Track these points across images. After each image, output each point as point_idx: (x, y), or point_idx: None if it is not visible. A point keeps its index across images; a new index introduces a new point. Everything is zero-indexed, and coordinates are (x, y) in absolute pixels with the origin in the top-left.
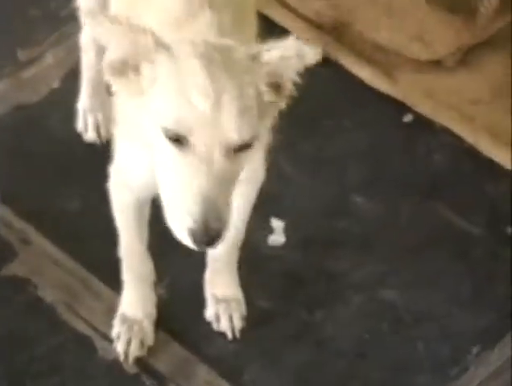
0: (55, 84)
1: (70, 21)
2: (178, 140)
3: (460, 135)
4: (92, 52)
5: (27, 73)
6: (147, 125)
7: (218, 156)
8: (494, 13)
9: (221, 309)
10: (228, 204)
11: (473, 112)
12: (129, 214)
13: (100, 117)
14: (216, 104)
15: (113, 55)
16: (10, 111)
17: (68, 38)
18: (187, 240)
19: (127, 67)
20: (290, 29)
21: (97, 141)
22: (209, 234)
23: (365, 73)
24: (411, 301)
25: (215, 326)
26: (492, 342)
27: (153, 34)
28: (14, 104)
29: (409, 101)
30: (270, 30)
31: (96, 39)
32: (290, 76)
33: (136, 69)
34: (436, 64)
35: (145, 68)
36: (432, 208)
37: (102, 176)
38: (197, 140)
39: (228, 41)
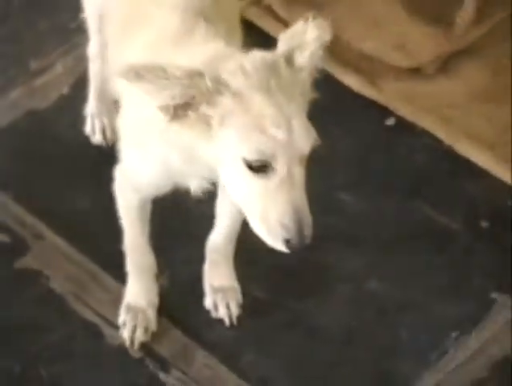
0: (65, 91)
1: (78, 33)
2: (260, 166)
3: (439, 137)
4: (98, 62)
5: (39, 81)
6: (215, 157)
7: (297, 170)
8: (471, 24)
9: (219, 297)
10: (308, 206)
11: (451, 115)
12: (133, 212)
13: (106, 121)
14: (289, 129)
15: (170, 101)
16: (23, 116)
17: (77, 48)
18: (283, 249)
19: (187, 111)
20: None
21: (104, 144)
22: (303, 241)
23: (351, 80)
24: (394, 291)
25: (213, 313)
26: (469, 328)
27: (210, 76)
28: (26, 109)
29: (392, 106)
30: (263, 40)
31: (144, 92)
32: (318, 64)
33: (196, 110)
34: (417, 71)
35: (208, 109)
36: (414, 205)
37: (108, 176)
38: (279, 164)
39: (260, 54)
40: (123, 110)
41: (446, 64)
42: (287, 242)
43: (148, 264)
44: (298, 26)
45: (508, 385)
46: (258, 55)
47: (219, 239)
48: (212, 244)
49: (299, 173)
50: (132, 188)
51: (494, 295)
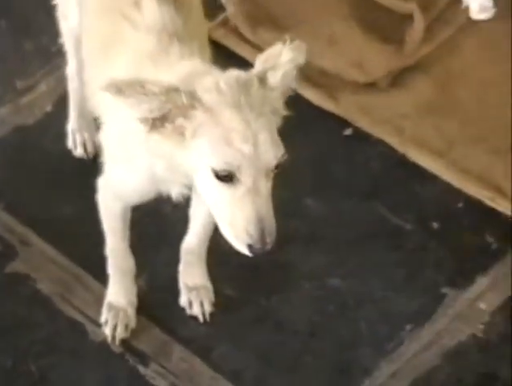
0: (48, 109)
1: (59, 55)
2: (226, 176)
3: (393, 146)
4: (76, 81)
5: (24, 100)
6: (190, 165)
7: (262, 182)
8: (419, 42)
9: (193, 296)
10: (273, 215)
11: (403, 126)
12: (115, 220)
13: (86, 135)
14: (255, 144)
15: (148, 114)
16: (10, 132)
17: (58, 69)
18: (247, 253)
19: (165, 123)
20: (247, 58)
21: (85, 156)
22: (265, 247)
23: (312, 94)
24: (354, 286)
25: (188, 311)
26: (422, 320)
27: (185, 91)
28: (13, 126)
29: (349, 117)
30: (230, 59)
31: (128, 105)
32: (291, 84)
33: (172, 122)
34: (372, 86)
35: (183, 122)
36: (370, 208)
37: (90, 186)
38: (244, 175)
39: (236, 73)
40: (106, 126)
41: (398, 79)
42: (251, 247)
43: (128, 266)
44: (275, 49)
45: (458, 372)
46: (233, 74)
47: (193, 241)
48: (186, 247)
49: (264, 185)
50: (115, 197)
51: (445, 290)
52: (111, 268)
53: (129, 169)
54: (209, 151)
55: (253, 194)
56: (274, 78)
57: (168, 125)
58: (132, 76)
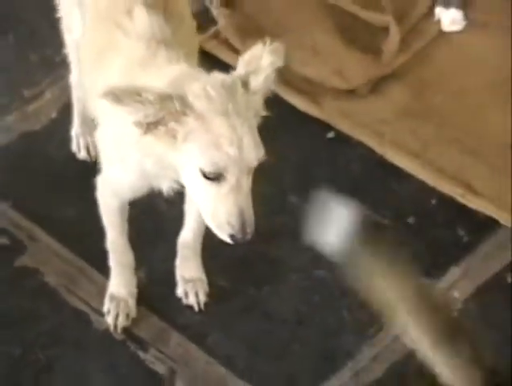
0: (53, 115)
1: (63, 65)
2: (213, 176)
3: (372, 148)
4: (80, 90)
5: (31, 107)
6: (179, 164)
7: (244, 180)
8: (395, 52)
9: (189, 287)
10: (252, 209)
11: (382, 129)
12: (113, 215)
13: (89, 139)
14: (240, 147)
15: (143, 119)
16: (18, 138)
17: (62, 79)
18: (229, 241)
19: (158, 126)
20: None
21: (88, 159)
22: (246, 237)
23: (296, 100)
24: (338, 278)
25: (184, 300)
26: None
27: (177, 98)
28: (21, 132)
29: (331, 121)
30: (222, 69)
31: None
32: (270, 86)
33: (165, 126)
34: (352, 92)
35: (175, 126)
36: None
37: (93, 186)
38: (230, 174)
39: (221, 77)
40: (101, 128)
41: (376, 86)
42: (233, 236)
43: (128, 260)
44: (256, 51)
45: None
46: (219, 78)
47: (188, 236)
48: (182, 241)
49: (246, 182)
50: (112, 194)
51: (421, 280)
52: (112, 262)
53: (122, 167)
54: (199, 154)
55: (236, 190)
56: (256, 82)
57: (161, 128)
58: (128, 83)
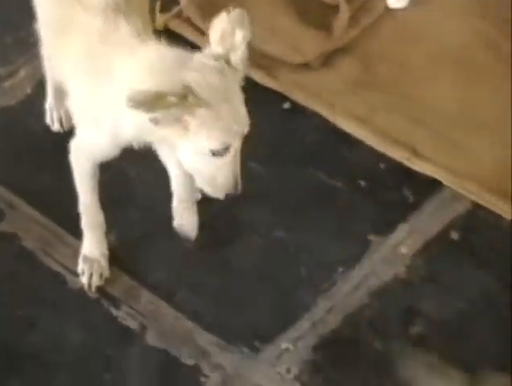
0: (29, 91)
1: (36, 45)
2: (220, 151)
3: (325, 117)
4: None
5: (7, 84)
6: (185, 148)
7: (239, 147)
8: (345, 28)
9: (186, 212)
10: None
11: (333, 100)
12: (86, 176)
13: (62, 112)
14: (240, 122)
15: (162, 118)
16: None
17: (36, 58)
18: (224, 197)
19: (172, 120)
20: (199, 43)
21: (61, 130)
22: (237, 192)
23: (255, 74)
24: (295, 238)
25: (178, 226)
26: (352, 264)
27: (192, 94)
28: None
29: (287, 93)
30: (185, 46)
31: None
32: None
33: (179, 119)
34: (306, 66)
35: (188, 117)
36: (308, 171)
37: (66, 156)
38: (233, 146)
39: (211, 63)
40: (72, 94)
41: (328, 60)
42: (227, 195)
43: (99, 222)
44: (225, 25)
45: (383, 308)
46: (209, 64)
47: (180, 189)
48: (177, 196)
49: (239, 152)
50: (85, 156)
51: (371, 237)
52: (84, 225)
53: (96, 131)
54: (212, 139)
55: (234, 158)
56: (236, 58)
57: (176, 122)
58: (83, 62)
